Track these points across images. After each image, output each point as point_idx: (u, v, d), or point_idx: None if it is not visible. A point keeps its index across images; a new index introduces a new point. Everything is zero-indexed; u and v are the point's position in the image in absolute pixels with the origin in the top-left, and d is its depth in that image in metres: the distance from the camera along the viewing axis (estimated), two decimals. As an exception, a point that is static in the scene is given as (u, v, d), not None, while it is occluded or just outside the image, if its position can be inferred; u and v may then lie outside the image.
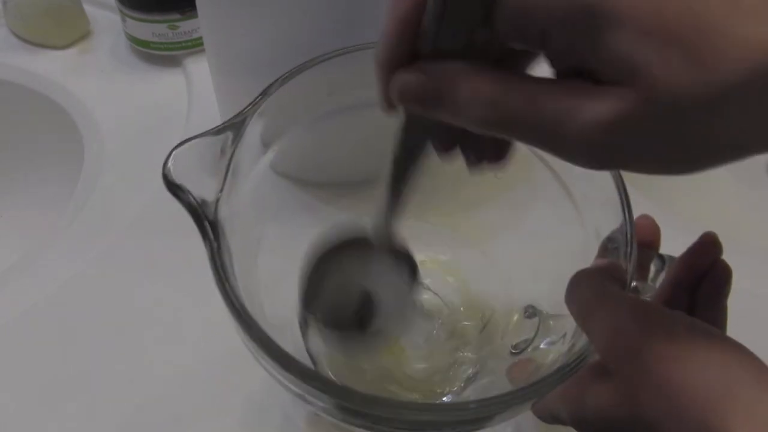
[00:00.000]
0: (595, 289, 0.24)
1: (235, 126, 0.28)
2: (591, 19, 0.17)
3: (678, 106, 0.17)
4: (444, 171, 0.29)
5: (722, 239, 0.45)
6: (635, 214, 0.30)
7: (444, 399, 0.35)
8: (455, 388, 0.35)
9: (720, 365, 0.21)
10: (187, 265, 0.35)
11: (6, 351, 0.39)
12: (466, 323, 0.38)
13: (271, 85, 0.30)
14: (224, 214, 0.27)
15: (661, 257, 0.29)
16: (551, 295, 0.27)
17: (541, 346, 0.33)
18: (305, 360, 0.34)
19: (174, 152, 0.27)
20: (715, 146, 0.18)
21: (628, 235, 0.27)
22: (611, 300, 0.23)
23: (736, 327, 0.40)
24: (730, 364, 0.21)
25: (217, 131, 0.28)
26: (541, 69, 0.21)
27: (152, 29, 0.55)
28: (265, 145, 0.32)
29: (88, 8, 0.61)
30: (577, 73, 0.18)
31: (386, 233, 0.29)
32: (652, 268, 0.29)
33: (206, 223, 0.26)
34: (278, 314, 0.33)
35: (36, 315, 0.40)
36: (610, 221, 0.28)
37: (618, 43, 0.17)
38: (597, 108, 0.17)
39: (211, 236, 0.26)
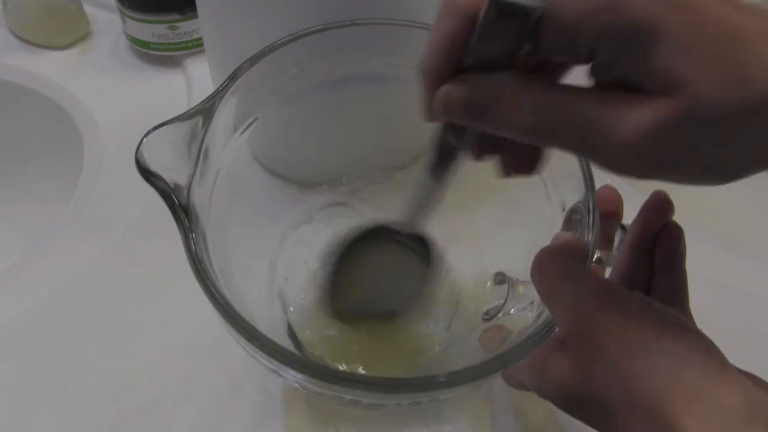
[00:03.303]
0: (557, 268, 0.25)
1: (204, 110, 0.29)
2: (639, 35, 0.18)
3: (716, 117, 0.18)
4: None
5: (722, 239, 0.45)
6: (633, 213, 0.30)
7: (416, 365, 0.36)
8: (430, 355, 0.36)
9: (669, 352, 0.22)
10: (187, 265, 0.35)
11: (6, 350, 0.39)
12: (439, 291, 0.39)
13: (239, 67, 0.31)
14: (197, 197, 0.27)
15: (624, 227, 0.30)
16: (521, 263, 0.28)
17: (511, 311, 0.33)
18: (284, 333, 0.35)
19: (145, 138, 0.27)
20: (750, 156, 0.19)
21: (591, 207, 0.28)
22: (571, 279, 0.25)
23: (736, 326, 0.40)
24: (680, 351, 0.22)
25: (188, 116, 0.28)
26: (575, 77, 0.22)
27: (152, 30, 0.55)
28: (237, 127, 0.33)
29: (88, 8, 0.61)
30: (618, 83, 0.19)
31: (415, 223, 0.31)
32: (616, 238, 0.30)
33: (179, 209, 0.26)
34: (254, 289, 0.34)
35: (36, 315, 0.40)
36: (574, 193, 0.29)
37: (663, 57, 0.18)
38: (639, 116, 0.18)
39: (185, 221, 0.26)
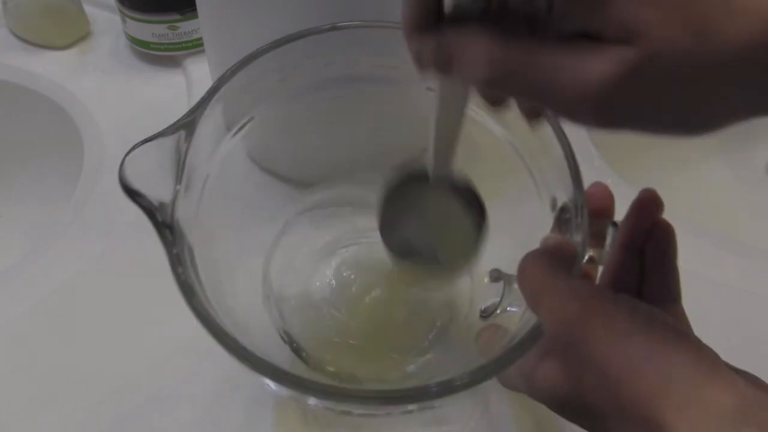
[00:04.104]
0: (541, 275, 0.25)
1: (186, 124, 0.29)
2: None
3: (677, 69, 0.17)
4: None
5: (722, 239, 0.45)
6: (626, 208, 0.30)
7: (412, 367, 0.36)
8: (426, 356, 0.36)
9: (658, 355, 0.21)
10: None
11: (6, 350, 0.39)
12: (435, 289, 0.39)
13: (221, 77, 0.30)
14: (182, 212, 0.27)
15: (615, 224, 0.29)
16: (516, 260, 0.27)
17: (508, 309, 0.33)
18: (278, 336, 0.35)
19: (128, 156, 0.27)
20: (717, 110, 0.18)
21: (579, 206, 0.27)
22: (556, 285, 0.24)
23: (735, 326, 0.40)
24: (669, 353, 0.21)
25: (171, 131, 0.28)
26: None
27: (152, 30, 0.56)
28: (230, 128, 0.33)
29: (88, 8, 0.61)
30: (580, 34, 0.19)
31: (444, 174, 0.30)
32: (608, 236, 0.30)
33: (163, 227, 0.26)
34: (247, 292, 0.34)
35: (36, 315, 0.40)
36: (564, 192, 0.29)
37: (622, 4, 0.17)
38: (599, 66, 0.18)
39: (170, 239, 0.26)
